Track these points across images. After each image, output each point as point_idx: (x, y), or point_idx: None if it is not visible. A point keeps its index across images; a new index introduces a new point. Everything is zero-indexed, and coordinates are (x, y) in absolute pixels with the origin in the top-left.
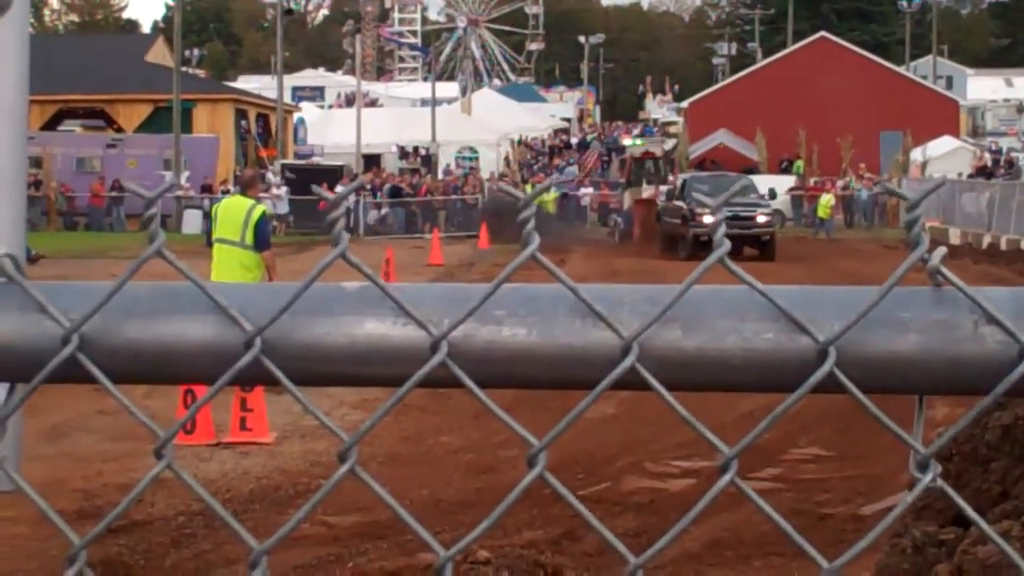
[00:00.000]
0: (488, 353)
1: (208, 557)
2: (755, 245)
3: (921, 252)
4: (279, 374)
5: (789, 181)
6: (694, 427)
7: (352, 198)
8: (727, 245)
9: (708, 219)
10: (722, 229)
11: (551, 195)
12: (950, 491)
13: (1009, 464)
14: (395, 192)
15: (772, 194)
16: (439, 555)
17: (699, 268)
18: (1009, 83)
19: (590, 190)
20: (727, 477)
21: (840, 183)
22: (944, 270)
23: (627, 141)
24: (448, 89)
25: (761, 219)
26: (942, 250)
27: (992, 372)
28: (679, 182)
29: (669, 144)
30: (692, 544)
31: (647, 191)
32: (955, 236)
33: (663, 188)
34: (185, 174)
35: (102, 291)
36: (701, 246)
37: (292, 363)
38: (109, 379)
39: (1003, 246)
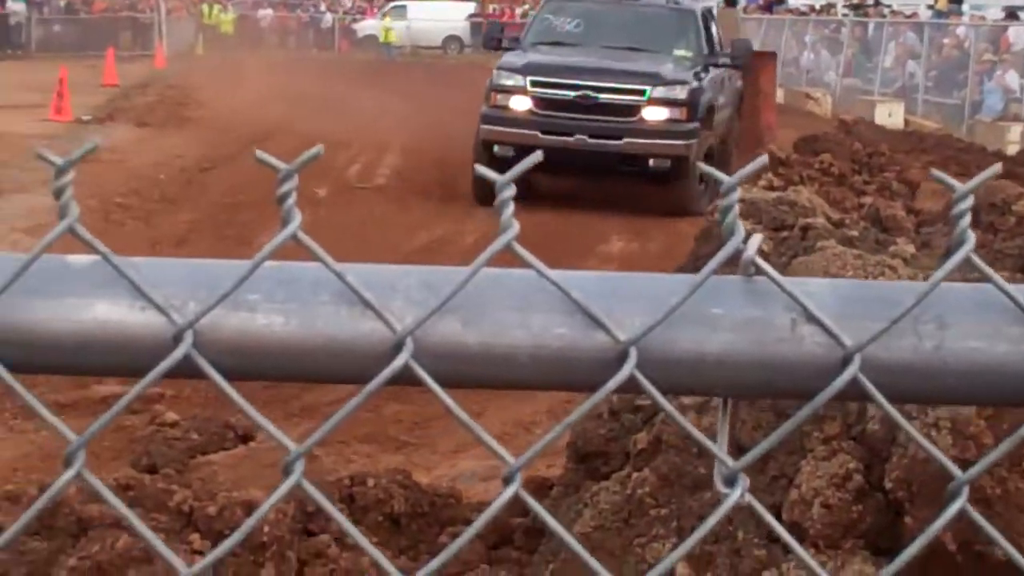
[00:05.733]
0: (240, 344)
1: None
2: (641, 175)
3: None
4: None
5: (468, 8)
6: (473, 432)
7: (23, 13)
8: (515, 228)
9: (518, 103)
10: (510, 208)
11: (229, 16)
12: (759, 508)
13: None
14: (68, 8)
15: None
16: None
17: (485, 253)
18: None
19: (269, 12)
20: (511, 489)
21: (519, 11)
22: (760, 262)
23: None
24: None
25: (654, 114)
26: (758, 237)
27: (811, 376)
28: None
29: None
30: None
31: None
32: None
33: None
34: None
35: None
36: (499, 168)
37: (6, 351)
38: None
39: None
